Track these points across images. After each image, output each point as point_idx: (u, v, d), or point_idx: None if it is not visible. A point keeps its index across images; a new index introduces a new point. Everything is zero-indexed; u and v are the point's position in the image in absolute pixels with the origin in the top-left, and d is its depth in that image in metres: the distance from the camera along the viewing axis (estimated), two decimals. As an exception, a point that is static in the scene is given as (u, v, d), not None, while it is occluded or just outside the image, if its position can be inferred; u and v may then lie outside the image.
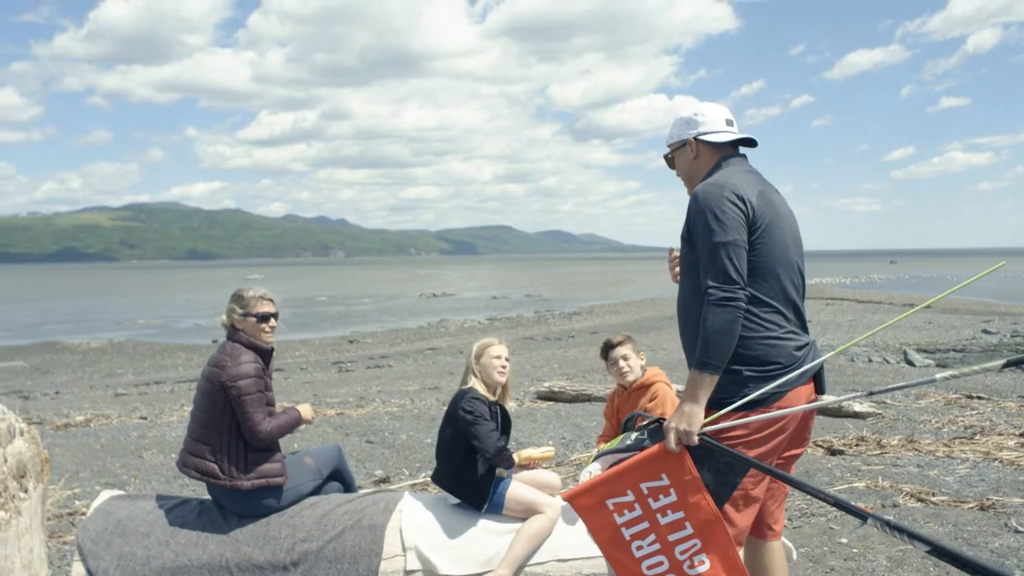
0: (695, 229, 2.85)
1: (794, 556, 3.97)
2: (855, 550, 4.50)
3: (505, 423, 4.10)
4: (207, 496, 4.06)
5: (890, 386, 2.90)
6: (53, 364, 22.33)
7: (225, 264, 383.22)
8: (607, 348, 4.38)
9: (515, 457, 4.01)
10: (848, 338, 19.74)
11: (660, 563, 2.87)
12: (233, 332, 3.93)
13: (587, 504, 2.89)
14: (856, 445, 7.20)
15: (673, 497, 2.84)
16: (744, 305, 2.75)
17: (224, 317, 4.00)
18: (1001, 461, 6.49)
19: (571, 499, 2.91)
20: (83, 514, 5.60)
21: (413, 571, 3.61)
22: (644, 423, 3.21)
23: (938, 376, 2.70)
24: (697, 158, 3.03)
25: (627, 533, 2.88)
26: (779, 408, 2.83)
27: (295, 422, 3.94)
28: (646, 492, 2.85)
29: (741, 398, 2.80)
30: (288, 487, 3.86)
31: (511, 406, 4.05)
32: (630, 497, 2.85)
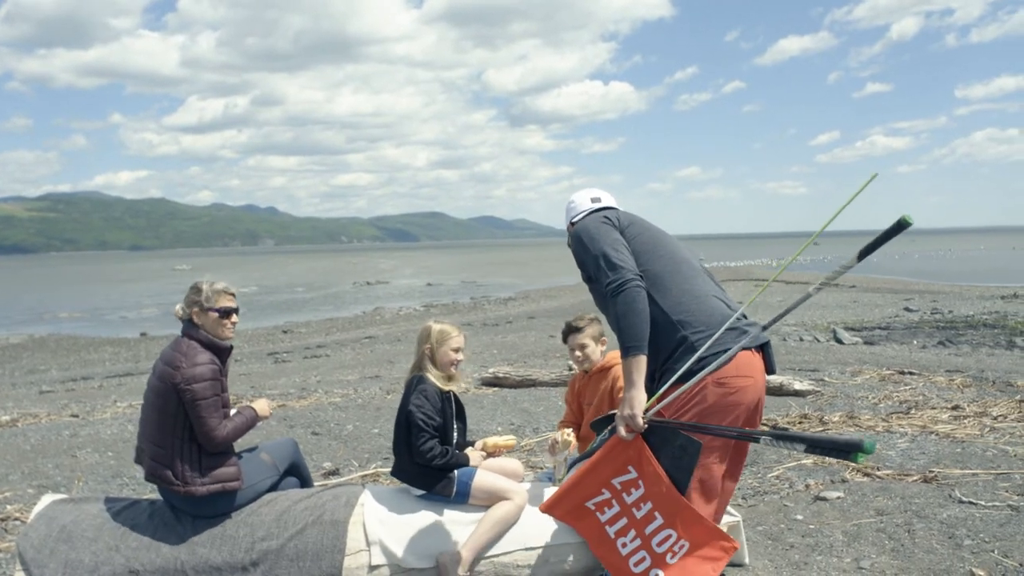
0: (580, 259, 3.12)
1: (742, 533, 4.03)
2: (811, 526, 4.58)
3: (460, 412, 4.02)
4: (156, 496, 3.89)
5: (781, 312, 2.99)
6: (-31, 362, 21.35)
7: (150, 255, 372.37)
8: (568, 333, 4.32)
9: (481, 444, 3.94)
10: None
11: (643, 559, 2.85)
12: (189, 327, 3.73)
13: (569, 510, 2.85)
14: (800, 423, 7.34)
15: (642, 489, 2.83)
16: (639, 282, 2.88)
17: (179, 309, 3.79)
18: (937, 434, 6.69)
19: (550, 510, 2.87)
20: (17, 519, 5.33)
21: (378, 566, 3.52)
22: (600, 418, 3.20)
23: (810, 289, 2.90)
24: None
25: (611, 531, 2.86)
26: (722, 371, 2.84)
27: (252, 421, 3.78)
28: (619, 487, 2.83)
29: (692, 364, 2.82)
30: (245, 485, 3.71)
31: (461, 387, 4.00)
32: (606, 495, 2.84)
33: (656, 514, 2.82)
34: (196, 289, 3.77)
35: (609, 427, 3.08)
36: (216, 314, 3.71)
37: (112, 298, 49.24)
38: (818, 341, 15.27)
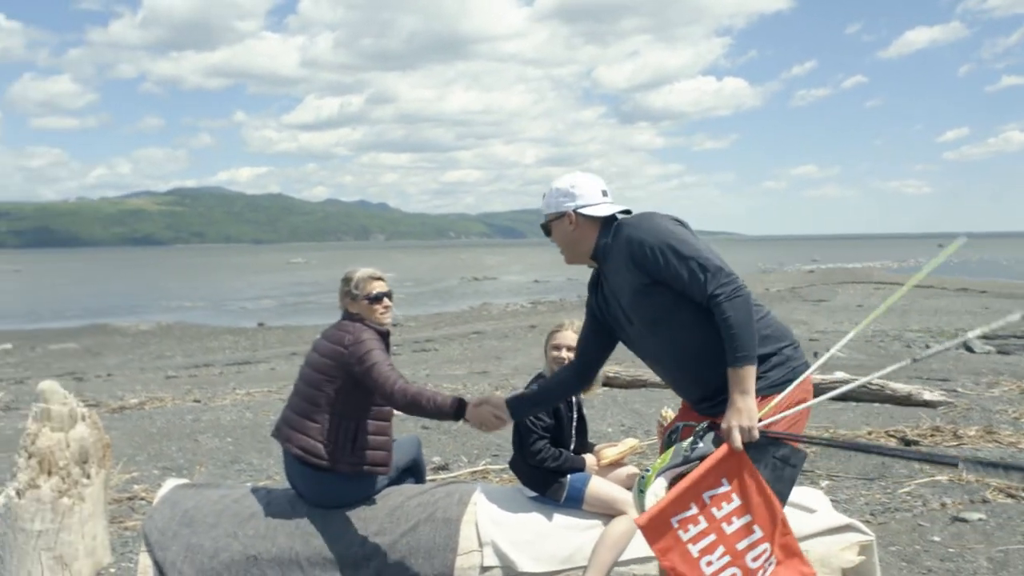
0: (660, 263, 2.77)
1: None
2: (951, 549, 4.25)
3: (579, 417, 3.89)
4: (272, 483, 3.94)
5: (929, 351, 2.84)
6: (104, 346, 22.63)
7: (268, 248, 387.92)
8: None
9: (598, 451, 3.80)
10: (902, 324, 19.24)
11: (733, 575, 2.69)
12: (348, 315, 3.75)
13: (656, 527, 2.68)
14: (931, 435, 6.89)
15: (736, 502, 2.69)
16: (747, 287, 2.75)
17: (339, 301, 3.83)
18: (1089, 454, 6.15)
19: (644, 526, 2.70)
20: (143, 499, 5.54)
21: (490, 567, 3.45)
22: (698, 430, 2.97)
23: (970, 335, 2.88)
24: (577, 229, 3.03)
25: (694, 550, 2.67)
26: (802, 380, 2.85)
27: (437, 405, 3.37)
28: (708, 502, 2.68)
29: (792, 376, 2.79)
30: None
31: (596, 392, 3.82)
32: (694, 510, 2.67)
33: (755, 527, 2.69)
34: (345, 279, 3.78)
35: (700, 437, 2.86)
36: (366, 301, 3.72)
37: (233, 288, 51.47)
38: (946, 350, 14.44)
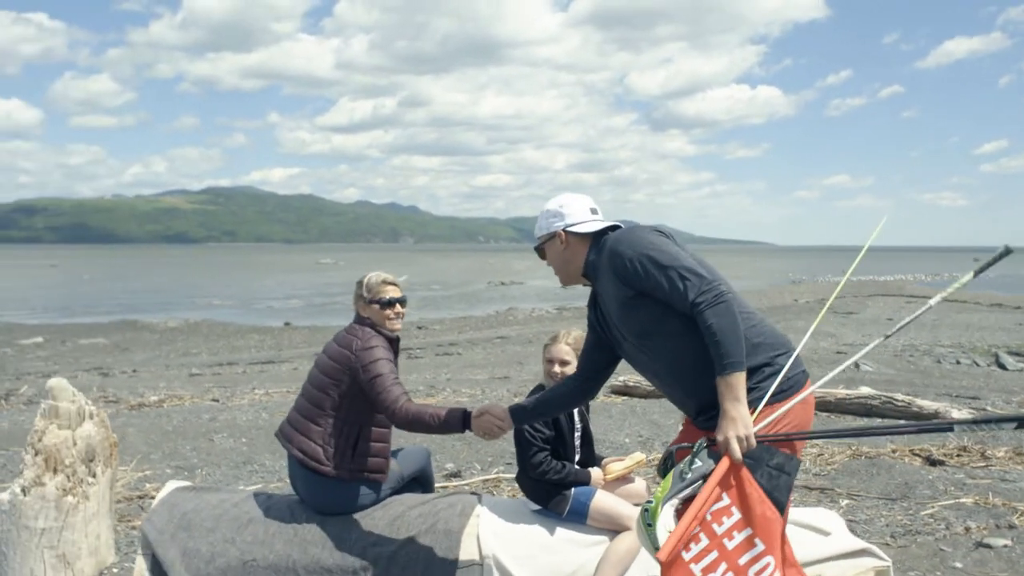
0: (640, 275, 2.76)
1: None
2: (973, 577, 4.10)
3: (584, 429, 3.78)
4: (280, 484, 3.89)
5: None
6: (132, 342, 22.88)
7: (297, 248, 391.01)
8: None
9: (603, 471, 3.70)
10: (932, 339, 18.86)
11: None
12: (360, 319, 3.72)
13: (671, 558, 2.57)
14: (958, 455, 6.69)
15: (737, 515, 2.59)
16: (732, 292, 2.69)
17: (353, 303, 3.80)
18: (1124, 480, 5.93)
19: (666, 561, 2.57)
20: (153, 498, 5.53)
21: (490, 582, 3.37)
22: (696, 450, 2.85)
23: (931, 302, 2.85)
24: (568, 248, 3.07)
25: (697, 569, 2.56)
26: (801, 389, 2.80)
27: (442, 421, 3.33)
28: (710, 518, 2.59)
29: (781, 384, 2.73)
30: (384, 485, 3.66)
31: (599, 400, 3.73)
32: (696, 529, 2.58)
33: (756, 540, 2.59)
34: (358, 283, 3.77)
35: (696, 456, 2.73)
36: (377, 305, 3.68)
37: (262, 287, 51.89)
38: (977, 365, 14.12)
